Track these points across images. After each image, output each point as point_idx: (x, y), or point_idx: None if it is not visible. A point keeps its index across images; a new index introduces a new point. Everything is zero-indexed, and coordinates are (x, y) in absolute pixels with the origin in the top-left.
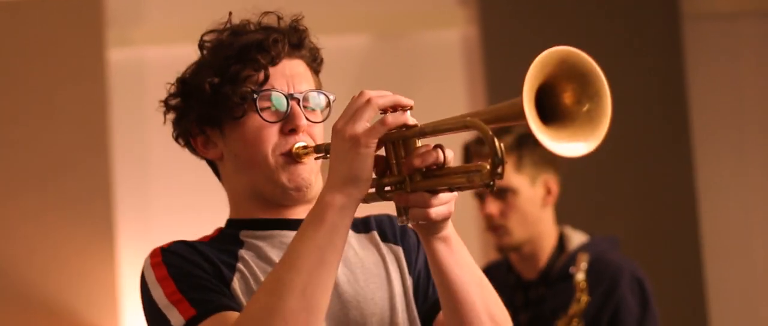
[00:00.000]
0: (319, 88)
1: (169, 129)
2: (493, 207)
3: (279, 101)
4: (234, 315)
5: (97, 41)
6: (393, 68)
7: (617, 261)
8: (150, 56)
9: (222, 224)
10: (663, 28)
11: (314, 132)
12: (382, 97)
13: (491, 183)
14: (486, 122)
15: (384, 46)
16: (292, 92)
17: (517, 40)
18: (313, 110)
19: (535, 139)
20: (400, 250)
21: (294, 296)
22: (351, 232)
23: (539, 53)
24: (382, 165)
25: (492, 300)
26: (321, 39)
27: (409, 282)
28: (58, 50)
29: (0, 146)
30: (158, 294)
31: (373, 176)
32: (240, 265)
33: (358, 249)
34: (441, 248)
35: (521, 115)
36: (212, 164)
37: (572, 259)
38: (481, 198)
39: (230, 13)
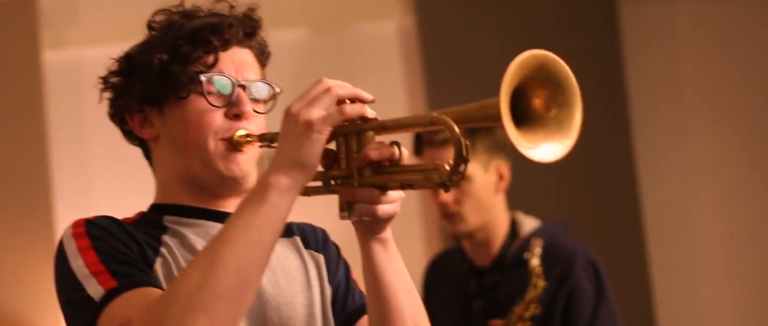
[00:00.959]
0: (264, 79)
1: (108, 129)
2: (447, 195)
3: (225, 87)
4: (157, 291)
5: (32, 43)
6: (331, 61)
7: (571, 245)
8: (86, 57)
9: None
10: (599, 12)
11: (257, 121)
12: (343, 87)
13: (448, 182)
14: (455, 121)
15: (321, 39)
16: (239, 78)
17: (454, 28)
18: (258, 101)
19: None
20: (321, 258)
21: (228, 272)
22: None
23: (476, 43)
24: (329, 158)
25: (419, 311)
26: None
27: (329, 291)
28: None
29: None
30: (78, 264)
31: (319, 168)
32: (163, 250)
33: (280, 251)
34: (378, 250)
35: (496, 117)
36: (144, 146)
37: (526, 245)
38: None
39: None
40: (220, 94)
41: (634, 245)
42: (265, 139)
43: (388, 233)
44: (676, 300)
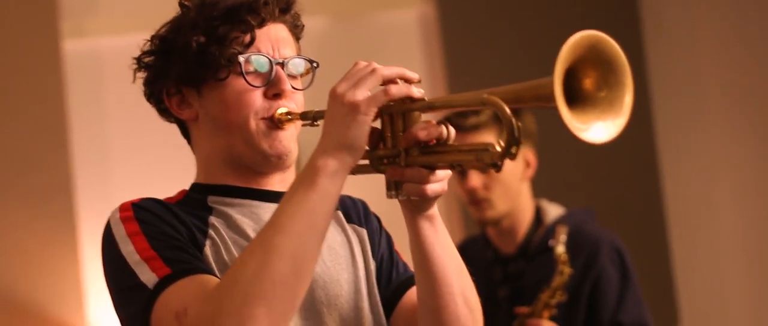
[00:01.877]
0: (300, 53)
1: (128, 117)
2: (476, 180)
3: (263, 65)
4: (212, 279)
5: (52, 33)
6: (351, 49)
7: (596, 232)
8: (106, 46)
9: None
10: (620, 4)
11: (296, 98)
12: (388, 67)
13: (499, 163)
14: (505, 102)
15: (341, 28)
16: (276, 56)
17: (475, 17)
18: (295, 77)
19: (514, 112)
20: (364, 232)
21: (284, 260)
22: None
23: (496, 32)
24: (375, 137)
25: (468, 285)
26: None
27: (373, 265)
28: (12, 43)
29: None
30: (129, 249)
31: (366, 148)
32: (211, 232)
33: None
34: (426, 227)
35: (549, 97)
36: (182, 126)
37: (550, 232)
38: (461, 172)
39: None
40: (258, 73)
41: (656, 233)
42: (307, 117)
43: (434, 210)
44: (697, 286)
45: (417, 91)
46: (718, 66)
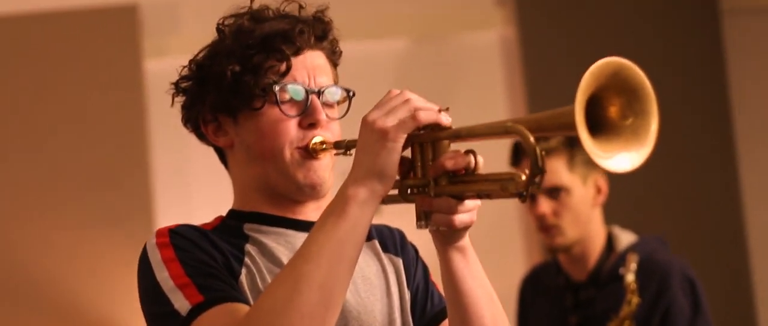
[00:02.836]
0: (336, 81)
1: None
2: (545, 206)
3: (299, 94)
4: (244, 307)
5: (134, 51)
6: (431, 71)
7: (667, 260)
8: None
9: None
10: (702, 25)
11: (331, 128)
12: (419, 100)
13: (525, 193)
14: (529, 130)
15: (422, 49)
16: (312, 85)
17: (556, 39)
18: (332, 106)
19: None
20: (400, 262)
21: (313, 290)
22: None
23: (577, 53)
24: (405, 167)
25: (500, 316)
26: (360, 43)
27: (408, 295)
28: (95, 61)
29: (39, 158)
30: (164, 275)
31: (396, 177)
32: (247, 260)
33: (359, 258)
34: (457, 258)
35: (571, 126)
36: (219, 151)
37: (622, 260)
38: (532, 198)
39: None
40: (293, 102)
41: (738, 262)
42: (341, 146)
43: (466, 241)
44: None
45: (445, 119)
46: None
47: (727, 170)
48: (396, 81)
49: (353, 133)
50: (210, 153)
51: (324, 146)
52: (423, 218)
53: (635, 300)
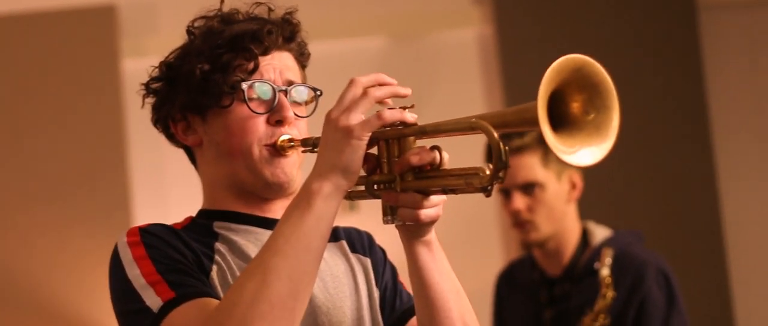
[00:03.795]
0: (305, 82)
1: None
2: (520, 202)
3: (267, 92)
4: (215, 302)
5: (112, 52)
6: (409, 69)
7: (642, 255)
8: None
9: None
10: (679, 21)
11: (299, 126)
12: (378, 88)
13: (489, 187)
14: (493, 126)
15: (400, 48)
16: (280, 84)
17: (533, 37)
18: (300, 104)
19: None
20: (368, 262)
21: (281, 281)
22: None
23: (555, 51)
24: (372, 163)
25: (467, 310)
26: (338, 42)
27: (376, 294)
28: (73, 62)
29: (17, 159)
30: (134, 273)
31: (362, 173)
32: (217, 258)
33: (327, 257)
34: (423, 252)
35: (534, 121)
36: (189, 151)
37: (597, 254)
38: (506, 194)
39: (222, 1)
40: (261, 100)
41: (714, 256)
42: (309, 143)
43: (432, 235)
44: (757, 311)
45: (410, 116)
46: None
47: (704, 165)
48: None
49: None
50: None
51: (292, 143)
52: (389, 213)
53: (610, 294)
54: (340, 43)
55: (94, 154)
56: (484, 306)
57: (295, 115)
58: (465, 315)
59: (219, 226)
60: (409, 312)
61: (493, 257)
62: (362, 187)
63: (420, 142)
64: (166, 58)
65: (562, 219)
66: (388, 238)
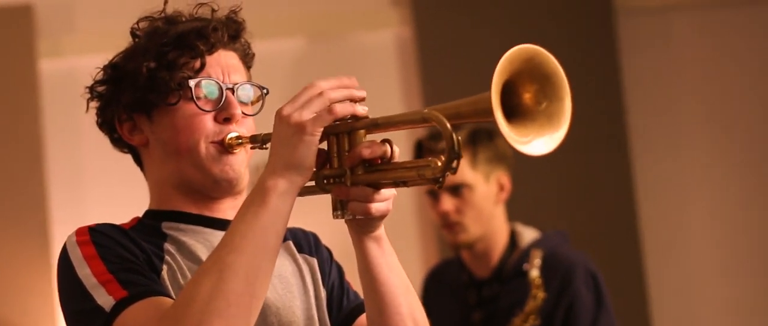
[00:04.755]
0: (250, 81)
1: (103, 138)
2: (448, 203)
3: (213, 89)
4: (168, 301)
5: (28, 51)
6: (327, 70)
7: (571, 256)
8: (82, 65)
9: None
10: (597, 24)
11: (246, 123)
12: (334, 90)
13: (441, 178)
14: (446, 117)
15: (318, 48)
16: (227, 81)
17: (452, 39)
18: (246, 103)
19: (489, 135)
20: (315, 262)
21: (238, 278)
22: None
23: (473, 53)
24: (322, 158)
25: (417, 306)
26: (255, 43)
27: (323, 293)
28: None
29: None
30: (85, 272)
31: (313, 167)
32: (167, 258)
33: None
34: (373, 247)
35: (488, 112)
36: (134, 152)
37: (525, 256)
38: (434, 195)
39: (166, 2)
40: (208, 99)
41: (631, 255)
42: (257, 140)
43: (381, 231)
44: (671, 311)
45: (361, 110)
46: (694, 85)
47: (621, 167)
48: (292, 80)
49: (266, 130)
50: (105, 154)
51: (240, 140)
52: (339, 208)
53: (541, 294)
54: (257, 44)
55: (10, 155)
56: None
57: (243, 113)
58: (415, 311)
59: (167, 227)
60: (358, 310)
61: (413, 260)
62: (312, 182)
63: (370, 136)
64: (111, 60)
65: (490, 221)
66: (331, 237)
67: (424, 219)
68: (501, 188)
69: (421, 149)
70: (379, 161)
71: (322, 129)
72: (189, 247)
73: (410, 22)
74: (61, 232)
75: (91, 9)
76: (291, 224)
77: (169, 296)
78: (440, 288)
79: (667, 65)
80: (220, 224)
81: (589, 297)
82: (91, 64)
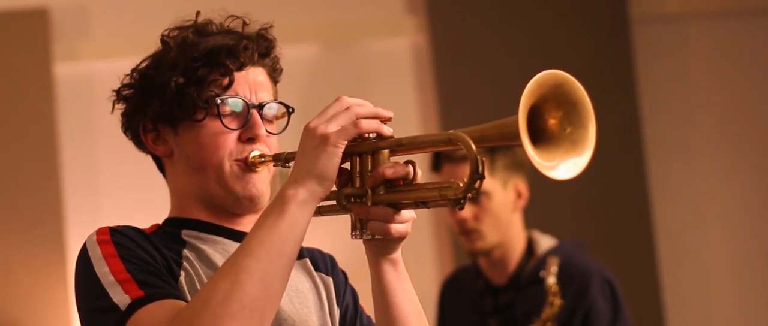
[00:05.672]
0: (276, 98)
1: (119, 142)
2: (466, 210)
3: (240, 108)
4: (183, 304)
5: (44, 56)
6: (342, 77)
7: (587, 263)
8: (97, 70)
9: None
10: (612, 32)
11: (270, 142)
12: (362, 106)
13: (462, 200)
14: (472, 140)
15: (333, 56)
16: (253, 100)
17: (467, 47)
18: (271, 121)
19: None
20: (330, 281)
21: (253, 282)
22: None
23: (489, 62)
24: (344, 177)
25: None
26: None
27: (337, 312)
28: (4, 66)
29: None
30: (103, 270)
31: (334, 188)
32: (186, 265)
33: (292, 273)
34: (389, 270)
35: (514, 136)
36: (157, 159)
37: (542, 263)
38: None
39: (198, 13)
40: (234, 116)
41: (646, 262)
42: (280, 159)
43: (398, 254)
44: (687, 320)
45: (387, 130)
46: (710, 94)
47: (637, 175)
48: (307, 87)
49: (288, 147)
50: (120, 158)
51: (263, 159)
52: (359, 227)
53: (558, 301)
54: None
55: (25, 159)
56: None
57: (267, 131)
58: None
59: (187, 234)
60: None
61: (428, 268)
62: (333, 201)
63: (393, 158)
64: (138, 65)
65: (507, 228)
66: (347, 260)
67: (440, 226)
68: (518, 195)
69: (438, 156)
70: (402, 182)
71: (346, 142)
72: (207, 255)
73: (426, 30)
74: (77, 237)
75: (107, 13)
76: (308, 244)
77: (185, 301)
78: (457, 295)
79: (683, 74)
80: (240, 236)
81: (605, 304)
82: (107, 68)
